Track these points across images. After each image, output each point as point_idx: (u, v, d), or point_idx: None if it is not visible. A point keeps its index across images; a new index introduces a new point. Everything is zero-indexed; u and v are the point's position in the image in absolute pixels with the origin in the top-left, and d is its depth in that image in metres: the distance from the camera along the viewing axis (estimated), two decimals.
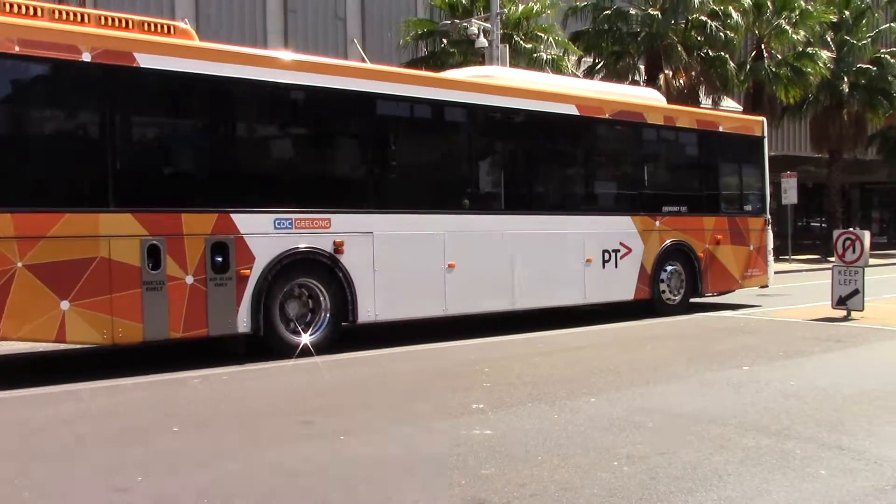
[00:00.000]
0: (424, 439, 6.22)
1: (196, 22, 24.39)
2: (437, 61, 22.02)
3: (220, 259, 9.57)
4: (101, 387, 8.35)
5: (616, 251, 13.62)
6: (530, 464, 5.58)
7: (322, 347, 10.18)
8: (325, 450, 5.97)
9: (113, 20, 9.45)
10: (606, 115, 13.71)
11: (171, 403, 7.66)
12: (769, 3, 27.42)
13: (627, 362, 9.54)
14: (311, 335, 10.29)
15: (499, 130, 12.98)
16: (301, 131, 11.08)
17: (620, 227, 13.75)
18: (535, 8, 22.42)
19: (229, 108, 10.27)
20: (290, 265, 10.10)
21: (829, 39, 30.30)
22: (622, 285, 13.76)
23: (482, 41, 19.10)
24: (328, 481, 5.29)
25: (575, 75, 25.82)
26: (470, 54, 21.24)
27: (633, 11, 24.95)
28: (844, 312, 13.20)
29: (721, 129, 15.55)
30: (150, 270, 9.10)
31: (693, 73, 25.70)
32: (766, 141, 16.39)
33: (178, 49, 9.58)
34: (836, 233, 13.92)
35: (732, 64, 25.16)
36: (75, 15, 9.23)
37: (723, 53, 24.74)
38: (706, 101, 25.43)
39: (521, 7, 22.30)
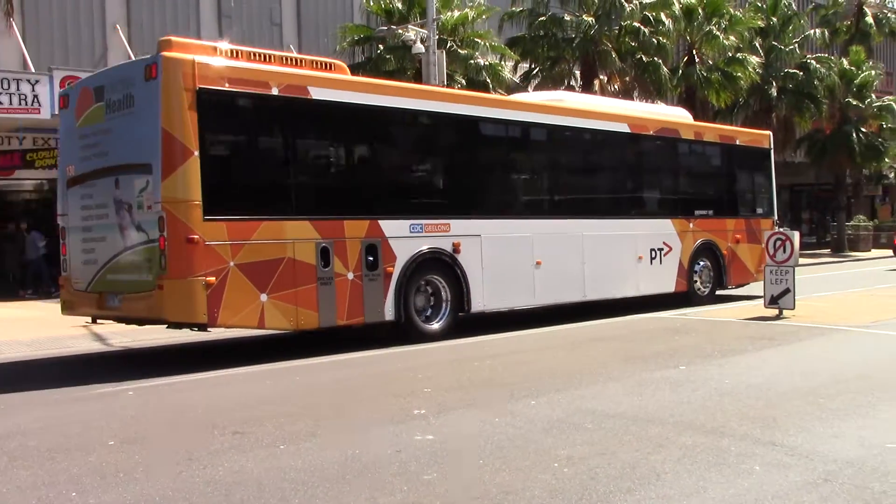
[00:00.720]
0: (365, 446, 6.18)
1: (128, 28, 23.98)
2: (373, 67, 21.98)
3: (371, 258, 11.30)
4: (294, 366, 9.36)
5: (660, 250, 15.56)
6: (472, 467, 5.58)
7: (445, 334, 11.93)
8: (262, 460, 5.90)
9: (291, 60, 11.55)
10: (651, 132, 15.88)
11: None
12: (700, 10, 27.98)
13: (568, 364, 9.63)
14: (437, 323, 12.09)
15: (571, 146, 14.87)
16: (427, 151, 13.06)
17: (663, 229, 15.75)
18: (471, 14, 22.53)
19: (376, 132, 12.13)
20: (421, 263, 11.84)
21: (757, 45, 31.05)
22: (665, 279, 15.67)
23: (419, 47, 19.10)
24: (265, 496, 5.22)
25: (512, 81, 26.03)
26: (407, 60, 21.25)
27: (567, 18, 25.24)
28: (777, 311, 13.50)
29: (738, 142, 17.94)
30: (323, 268, 10.79)
31: (627, 78, 26.10)
32: (772, 152, 18.67)
33: (338, 83, 11.42)
34: (766, 233, 14.25)
35: (665, 69, 25.61)
36: (264, 56, 11.09)
37: (656, 59, 25.16)
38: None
39: (457, 13, 22.37)
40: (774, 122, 31.47)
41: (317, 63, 11.68)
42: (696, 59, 28.35)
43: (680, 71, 27.97)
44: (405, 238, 11.67)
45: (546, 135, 14.32)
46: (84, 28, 23.34)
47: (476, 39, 22.50)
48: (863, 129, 35.97)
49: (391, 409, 7.34)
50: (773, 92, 31.85)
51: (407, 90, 12.84)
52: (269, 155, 11.24)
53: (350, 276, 11.05)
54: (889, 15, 39.85)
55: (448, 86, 19.87)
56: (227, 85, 10.13)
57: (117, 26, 23.51)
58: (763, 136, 18.87)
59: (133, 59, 18.83)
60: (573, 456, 5.79)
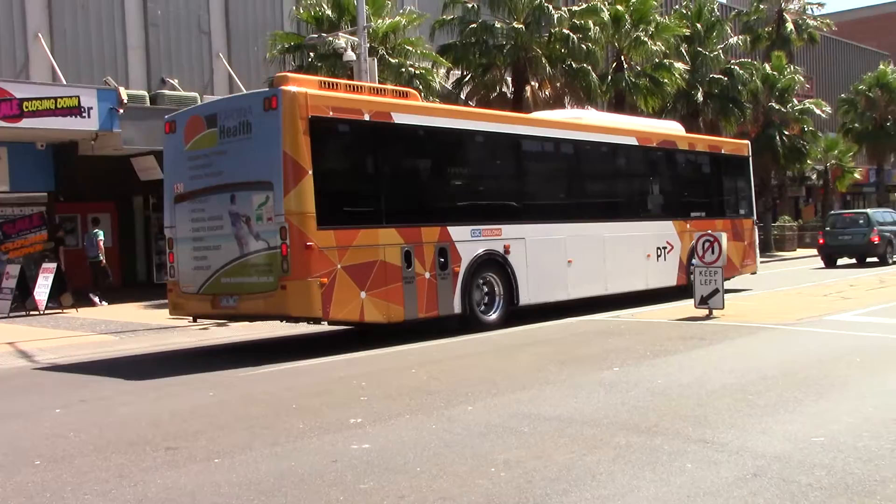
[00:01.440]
0: (301, 457, 6.12)
1: (50, 36, 23.38)
2: (305, 75, 21.79)
3: (442, 260, 12.95)
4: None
5: (664, 248, 17.44)
6: (409, 475, 5.57)
7: (499, 324, 13.55)
8: (196, 475, 5.79)
9: (375, 90, 13.77)
10: (654, 144, 17.90)
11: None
12: (627, 17, 28.46)
13: (504, 369, 9.68)
14: (493, 315, 13.74)
15: (592, 158, 16.69)
16: (482, 164, 14.76)
17: (666, 230, 17.64)
18: (402, 22, 22.53)
19: (443, 149, 13.87)
20: (480, 263, 13.50)
21: (683, 51, 31.69)
22: (669, 274, 17.53)
23: (350, 55, 19.02)
24: None
25: (444, 88, 26.12)
26: (338, 68, 21.12)
27: (498, 25, 25.40)
28: (707, 311, 13.78)
29: (723, 151, 20.17)
30: (406, 269, 12.41)
31: (558, 84, 26.39)
32: (751, 159, 20.93)
33: (414, 108, 13.33)
34: (696, 235, 14.54)
35: (595, 75, 25.97)
36: (354, 87, 13.09)
37: (585, 65, 25.49)
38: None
39: (388, 21, 22.35)
40: (701, 126, 32.14)
41: (396, 92, 13.84)
42: (625, 66, 28.82)
43: (609, 77, 28.40)
44: (467, 241, 13.40)
45: (573, 148, 16.12)
46: (4, 36, 22.67)
47: (407, 47, 22.49)
48: (786, 132, 36.99)
49: (329, 420, 7.28)
50: (700, 97, 32.54)
51: (463, 113, 15.18)
52: (362, 172, 12.82)
53: (427, 275, 12.72)
54: (808, 21, 41.12)
55: None
56: (331, 113, 11.75)
57: (39, 34, 22.92)
58: (743, 145, 21.14)
59: (59, 71, 18.35)
60: (510, 460, 5.82)
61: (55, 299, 18.25)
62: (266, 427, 7.14)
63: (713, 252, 13.85)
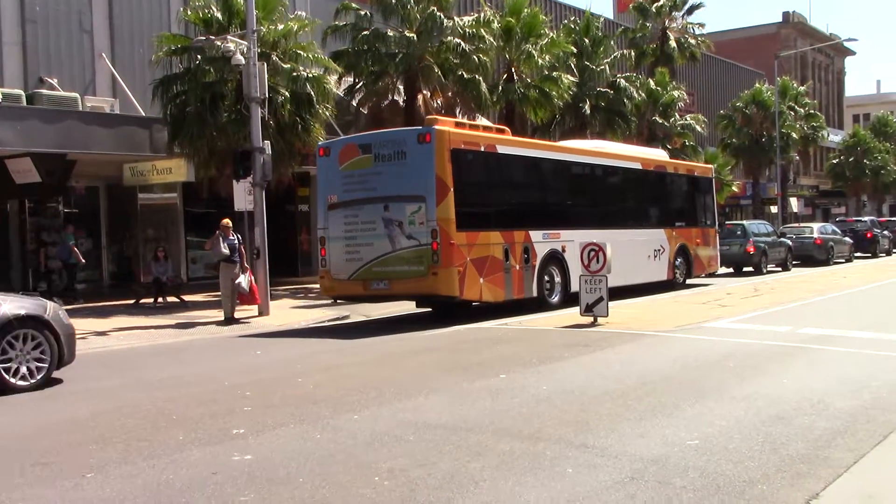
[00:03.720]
0: (179, 471, 5.94)
1: None
2: (192, 78, 21.31)
3: (526, 256, 16.89)
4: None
5: (658, 250, 21.81)
6: (291, 486, 5.48)
7: (559, 306, 17.02)
8: (67, 491, 5.55)
9: (482, 127, 18.02)
10: (652, 168, 22.59)
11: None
12: (518, 30, 28.88)
13: (391, 378, 9.65)
14: (555, 298, 17.43)
15: (612, 178, 21.28)
16: (547, 183, 18.92)
17: (660, 236, 22.00)
18: (294, 27, 22.22)
19: (525, 173, 18.11)
20: (547, 259, 17.34)
21: (572, 65, 32.38)
22: (661, 271, 21.86)
23: (238, 58, 18.62)
24: None
25: (337, 94, 25.93)
26: (227, 71, 20.68)
27: (390, 33, 25.37)
28: (592, 319, 14.11)
29: (696, 173, 25.26)
30: (505, 262, 16.34)
31: (450, 94, 26.54)
32: (714, 179, 26.32)
33: (508, 141, 17.53)
34: (580, 244, 14.87)
35: (485, 86, 26.23)
36: (471, 125, 17.86)
37: (476, 76, 25.74)
38: (462, 120, 26.35)
39: (280, 26, 22.02)
40: (589, 137, 32.75)
41: (496, 128, 18.22)
42: (515, 77, 29.22)
43: (500, 87, 28.75)
44: (540, 242, 17.27)
45: (602, 171, 20.68)
46: None
47: (299, 52, 22.21)
48: (668, 146, 38.22)
49: (210, 431, 7.10)
50: (587, 109, 33.24)
51: (535, 144, 20.10)
52: (481, 189, 16.75)
53: (517, 267, 16.62)
54: (690, 40, 42.62)
55: (270, 98, 19.56)
56: (462, 146, 15.73)
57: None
58: (709, 169, 26.76)
59: None
60: (394, 468, 5.80)
61: None
62: (139, 440, 6.90)
63: (598, 261, 14.19)
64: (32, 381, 9.47)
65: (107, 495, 5.41)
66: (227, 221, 17.71)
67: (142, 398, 8.85)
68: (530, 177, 18.36)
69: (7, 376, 9.29)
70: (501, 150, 16.97)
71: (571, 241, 17.28)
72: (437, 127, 15.45)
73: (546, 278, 17.36)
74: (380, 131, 18.51)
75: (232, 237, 17.35)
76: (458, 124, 16.70)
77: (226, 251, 16.96)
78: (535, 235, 17.17)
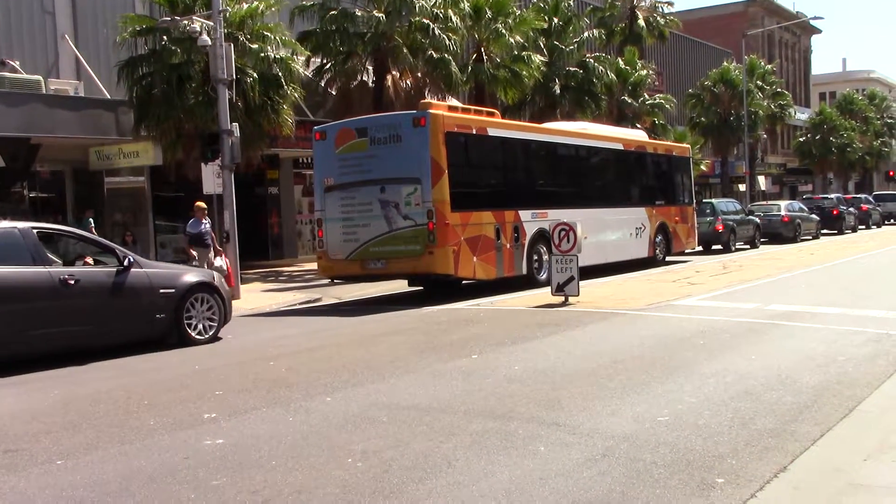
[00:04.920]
0: (150, 456, 5.91)
1: None
2: (158, 60, 21.03)
3: (516, 235, 17.37)
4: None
5: (639, 228, 22.41)
6: (264, 469, 5.47)
7: (547, 283, 15.68)
8: (38, 478, 5.50)
9: (474, 110, 18.14)
10: (633, 148, 23.18)
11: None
12: (487, 9, 28.77)
13: (364, 359, 9.64)
14: (543, 275, 17.27)
15: (595, 158, 21.67)
16: (534, 164, 19.44)
17: (641, 215, 22.56)
18: (260, 7, 21.97)
19: (515, 154, 18.53)
20: (536, 238, 17.69)
21: (541, 45, 32.34)
22: (643, 248, 22.55)
23: (204, 39, 18.39)
24: None
25: (305, 76, 25.73)
26: (194, 52, 20.44)
27: (359, 13, 25.18)
28: (563, 298, 14.17)
29: (674, 153, 25.81)
30: (497, 241, 16.78)
31: (419, 74, 26.42)
32: (691, 159, 27.08)
33: (497, 124, 18.17)
34: (550, 224, 14.91)
35: (455, 66, 26.13)
36: (466, 110, 17.81)
37: (446, 56, 25.62)
38: (432, 100, 26.26)
39: (245, 6, 21.76)
40: (559, 117, 32.82)
41: (486, 112, 18.48)
42: (485, 57, 29.15)
43: (469, 68, 28.66)
44: (529, 222, 17.70)
45: (586, 152, 21.19)
46: None
47: (266, 33, 21.98)
48: (638, 125, 38.38)
49: (181, 416, 7.06)
50: (557, 89, 33.26)
51: (523, 126, 20.58)
52: (473, 170, 17.24)
53: (508, 245, 17.11)
54: (658, 19, 42.74)
55: (238, 80, 19.37)
56: (455, 129, 16.17)
57: None
58: (686, 149, 27.33)
59: None
60: (367, 450, 5.80)
61: None
62: (110, 426, 6.85)
63: (568, 241, 14.21)
64: (206, 336, 11.49)
65: (77, 481, 5.37)
66: (201, 204, 17.60)
67: (112, 384, 8.77)
68: (519, 158, 18.84)
69: (189, 331, 11.29)
70: (492, 132, 17.53)
71: (557, 220, 17.49)
72: (431, 111, 15.94)
73: (535, 256, 17.82)
74: (375, 115, 18.93)
75: (205, 221, 17.26)
76: (451, 108, 17.10)
77: (197, 230, 17.03)
78: (525, 215, 17.65)
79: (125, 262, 10.75)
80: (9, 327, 9.63)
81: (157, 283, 11.03)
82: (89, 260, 11.54)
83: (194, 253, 17.31)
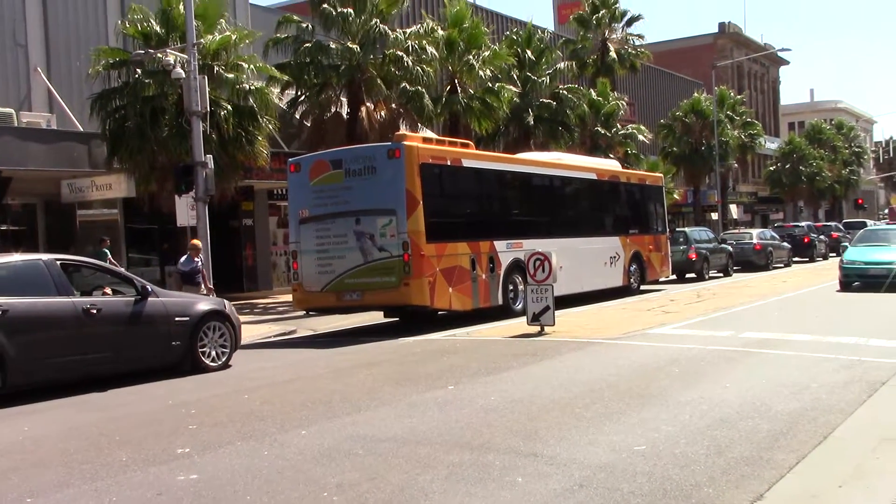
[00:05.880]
0: (122, 492, 5.81)
1: None
2: (131, 92, 20.98)
3: (491, 265, 17.29)
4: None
5: (613, 257, 22.37)
6: None
7: (523, 313, 15.30)
8: None
9: (448, 142, 18.04)
10: (606, 178, 23.31)
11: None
12: (460, 42, 29.01)
13: (340, 391, 9.58)
14: (519, 305, 17.11)
15: (570, 189, 21.89)
16: (508, 194, 19.55)
17: (615, 244, 22.59)
18: (234, 38, 22.00)
19: (489, 185, 18.58)
20: (511, 268, 17.60)
21: (514, 76, 32.63)
22: (617, 277, 22.48)
23: (178, 72, 18.41)
24: None
25: (279, 107, 25.74)
26: (168, 85, 20.43)
27: (333, 45, 25.29)
28: (539, 328, 14.17)
29: (647, 182, 25.94)
30: (472, 271, 16.73)
31: (394, 105, 26.54)
32: (664, 188, 27.21)
33: (471, 155, 18.19)
34: (525, 254, 14.94)
35: (428, 98, 26.27)
36: (440, 142, 17.90)
37: (420, 88, 25.77)
38: (406, 131, 26.35)
39: (219, 37, 21.79)
40: (533, 147, 33.05)
41: (461, 143, 18.44)
42: (459, 88, 29.36)
43: (444, 99, 28.84)
44: (504, 252, 17.63)
45: (560, 182, 21.27)
46: None
47: (241, 63, 22.01)
48: (611, 155, 38.71)
49: (154, 451, 6.97)
50: (531, 120, 33.51)
51: (497, 157, 21.07)
52: (447, 201, 17.22)
53: (483, 276, 17.05)
54: (630, 51, 43.27)
55: (212, 111, 19.35)
56: (430, 160, 16.14)
57: None
58: (659, 178, 27.62)
59: None
60: (343, 483, 5.75)
61: None
62: (83, 462, 6.74)
63: (543, 270, 14.25)
64: (218, 363, 11.86)
65: None
66: (196, 242, 17.44)
67: (83, 419, 8.65)
68: (494, 189, 18.91)
69: (203, 358, 11.63)
70: (467, 163, 17.56)
71: (534, 249, 17.58)
72: (406, 143, 15.92)
73: (511, 286, 17.74)
74: (350, 147, 19.00)
75: (198, 259, 17.12)
76: (425, 139, 17.19)
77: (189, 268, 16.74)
78: (500, 245, 17.62)
79: (142, 292, 11.15)
80: (34, 355, 9.90)
81: (173, 311, 11.45)
82: (108, 290, 11.87)
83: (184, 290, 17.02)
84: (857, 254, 22.02)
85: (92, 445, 7.37)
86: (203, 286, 16.93)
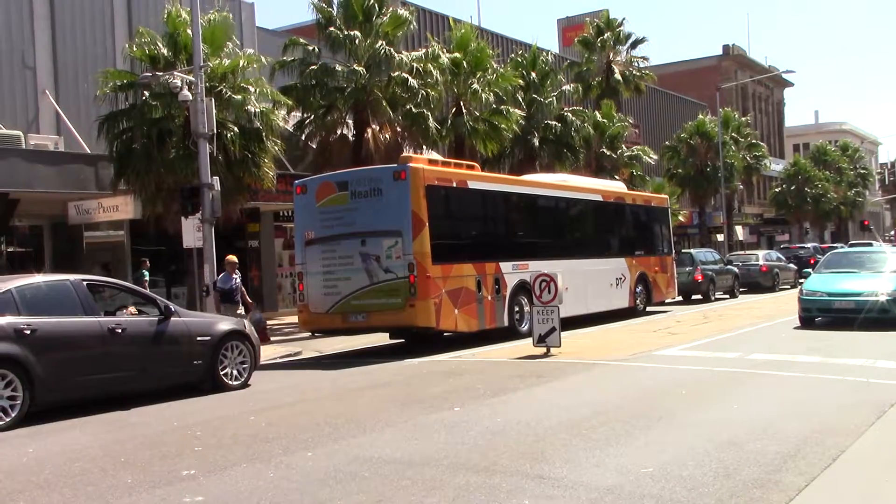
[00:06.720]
0: None
1: None
2: (139, 114, 21.09)
3: (497, 287, 17.32)
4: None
5: (619, 279, 22.34)
6: None
7: (529, 334, 15.17)
8: None
9: (453, 164, 18.16)
10: (612, 200, 23.47)
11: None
12: (466, 65, 29.15)
13: (345, 413, 9.55)
14: (525, 327, 17.15)
15: (576, 209, 21.93)
16: (514, 215, 19.50)
17: (621, 265, 22.60)
18: (242, 62, 22.15)
19: (495, 206, 18.73)
20: (516, 289, 17.67)
21: (520, 98, 32.75)
22: (623, 298, 22.45)
23: (185, 94, 18.52)
24: None
25: (286, 129, 25.84)
26: (174, 107, 20.53)
27: (339, 67, 25.42)
28: (545, 349, 14.14)
29: (652, 203, 26.01)
30: (478, 293, 16.76)
31: (399, 128, 26.63)
32: (669, 209, 27.17)
33: (477, 177, 18.16)
34: (531, 275, 14.95)
35: (433, 121, 26.36)
36: (446, 163, 18.00)
37: (425, 111, 25.85)
38: (411, 153, 26.42)
39: (227, 61, 21.93)
40: (538, 169, 33.10)
41: (466, 165, 18.45)
42: (464, 110, 29.46)
43: (449, 121, 28.93)
44: (510, 273, 17.67)
45: (566, 203, 21.29)
46: None
47: (247, 86, 22.12)
48: (616, 177, 38.77)
49: (159, 473, 6.95)
50: (536, 142, 33.59)
51: (502, 179, 20.87)
52: (454, 222, 17.29)
53: (489, 297, 17.05)
54: (634, 73, 43.46)
55: (218, 133, 19.46)
56: (436, 182, 16.19)
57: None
58: (664, 199, 27.56)
59: None
60: None
61: None
62: (87, 484, 6.72)
63: (549, 292, 14.25)
64: (239, 381, 12.12)
65: None
66: (232, 258, 17.48)
67: (88, 441, 8.63)
68: (499, 210, 18.99)
69: (224, 377, 11.90)
70: (472, 185, 17.56)
71: (540, 271, 17.55)
72: (411, 165, 16.00)
73: (516, 308, 17.71)
74: (356, 169, 19.07)
75: (236, 276, 17.07)
76: (431, 161, 17.31)
77: (228, 286, 16.80)
78: (505, 267, 17.63)
79: (165, 312, 11.41)
80: (61, 374, 10.06)
81: (195, 330, 11.73)
82: (133, 309, 12.10)
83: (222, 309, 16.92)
84: (821, 282, 18.24)
85: (97, 467, 7.34)
86: (240, 304, 16.85)
